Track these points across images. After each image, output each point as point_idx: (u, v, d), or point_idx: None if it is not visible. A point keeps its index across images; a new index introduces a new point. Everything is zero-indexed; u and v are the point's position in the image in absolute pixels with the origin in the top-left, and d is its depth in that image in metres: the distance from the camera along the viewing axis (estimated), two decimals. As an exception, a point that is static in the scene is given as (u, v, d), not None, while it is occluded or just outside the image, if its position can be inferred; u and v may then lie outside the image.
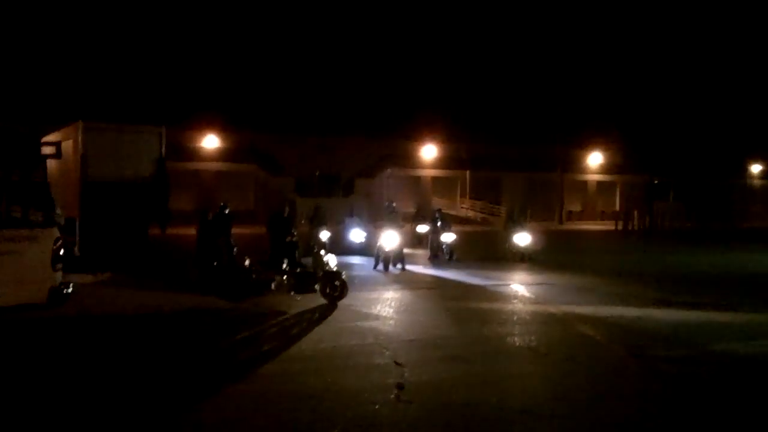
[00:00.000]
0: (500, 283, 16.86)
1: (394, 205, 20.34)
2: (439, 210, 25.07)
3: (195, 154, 56.87)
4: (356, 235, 24.71)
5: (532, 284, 16.55)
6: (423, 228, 28.48)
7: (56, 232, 9.13)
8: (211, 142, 57.77)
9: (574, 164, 68.29)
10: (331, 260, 13.38)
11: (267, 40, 71.59)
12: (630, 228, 49.04)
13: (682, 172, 67.46)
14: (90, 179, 24.04)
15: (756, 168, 75.41)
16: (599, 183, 73.00)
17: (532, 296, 14.47)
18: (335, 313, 12.03)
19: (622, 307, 13.00)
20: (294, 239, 19.69)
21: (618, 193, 72.57)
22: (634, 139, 69.05)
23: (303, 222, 23.88)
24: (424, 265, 21.38)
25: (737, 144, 69.12)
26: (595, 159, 71.99)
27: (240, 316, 11.73)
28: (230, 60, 63.53)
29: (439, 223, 23.54)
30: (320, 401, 6.65)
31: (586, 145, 69.44)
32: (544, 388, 7.32)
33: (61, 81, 48.66)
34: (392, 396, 6.80)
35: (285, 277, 13.25)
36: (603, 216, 68.44)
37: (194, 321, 11.35)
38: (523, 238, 23.10)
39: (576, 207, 69.36)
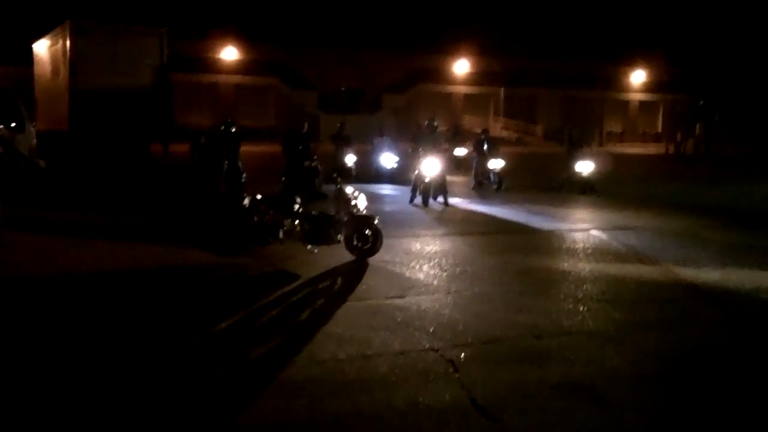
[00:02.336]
0: (573, 226, 13.22)
1: (436, 124, 16.54)
2: (486, 131, 21.36)
3: (212, 67, 52.90)
4: (387, 159, 21.06)
5: (615, 229, 12.87)
6: (461, 151, 24.84)
7: None
8: (229, 53, 53.60)
9: (615, 82, 63.59)
10: (361, 201, 9.79)
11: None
12: (682, 151, 44.98)
13: (729, 92, 62.60)
14: (80, 88, 21.04)
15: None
16: (641, 103, 68.25)
17: (628, 249, 10.84)
18: (365, 279, 8.50)
19: (762, 272, 9.38)
20: (314, 164, 16.21)
21: (661, 114, 68.01)
22: (678, 55, 63.96)
23: (325, 141, 20.29)
24: (469, 197, 17.78)
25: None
26: (637, 77, 66.93)
27: (225, 284, 8.24)
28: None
29: (485, 147, 19.83)
30: None
31: (628, 61, 64.45)
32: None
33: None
34: None
35: (298, 221, 9.71)
36: (644, 138, 64.22)
37: (152, 292, 7.84)
38: (585, 166, 19.39)
39: (616, 128, 64.98)
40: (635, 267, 9.53)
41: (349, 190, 9.90)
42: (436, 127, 16.47)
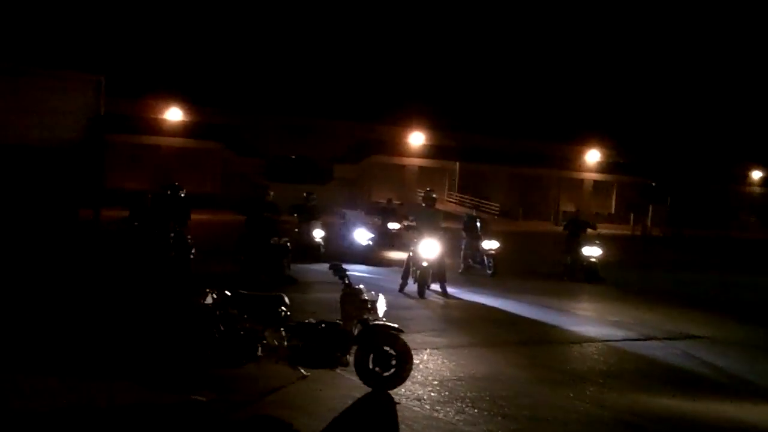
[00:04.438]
0: (621, 333, 10.23)
1: (434, 195, 13.65)
2: (476, 209, 18.67)
3: (150, 128, 49.27)
4: (361, 235, 18.01)
5: (675, 338, 10.02)
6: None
7: None
8: (171, 114, 50.29)
9: (570, 161, 62.56)
10: (380, 304, 6.71)
11: (240, 11, 64.17)
12: (648, 233, 43.35)
13: (680, 175, 62.47)
14: (-9, 141, 17.55)
15: (757, 174, 70.23)
16: (595, 182, 67.16)
17: (731, 380, 7.97)
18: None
19: None
20: (283, 241, 13.14)
21: (614, 195, 66.93)
22: (630, 138, 63.68)
23: (291, 215, 17.16)
24: (462, 284, 14.63)
25: (737, 149, 64.24)
26: (591, 156, 65.94)
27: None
28: (197, 29, 56.20)
29: (478, 225, 17.05)
30: None
31: (582, 141, 63.60)
32: None
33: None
34: None
35: (284, 331, 6.57)
36: (597, 218, 62.79)
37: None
38: (593, 251, 16.76)
39: (569, 207, 63.38)
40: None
41: (362, 288, 6.82)
42: (434, 198, 13.56)
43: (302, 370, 6.53)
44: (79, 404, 5.68)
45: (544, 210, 58.33)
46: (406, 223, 13.28)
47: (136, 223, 11.97)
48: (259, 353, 6.46)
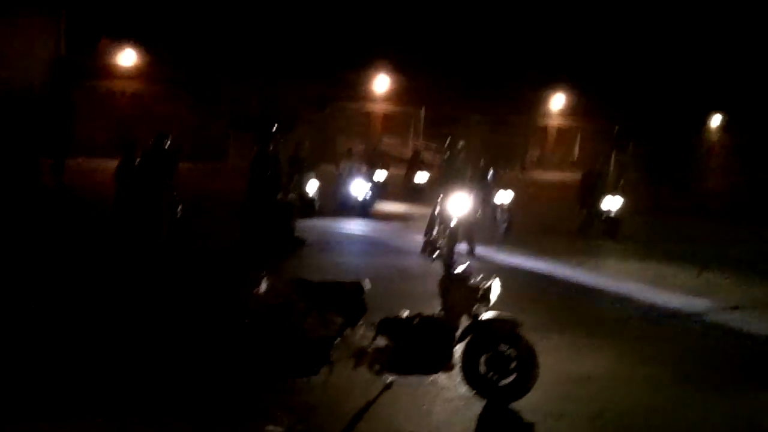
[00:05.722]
0: (711, 304, 8.83)
1: (461, 143, 11.97)
2: (488, 158, 17.09)
3: (108, 73, 46.24)
4: (359, 187, 16.25)
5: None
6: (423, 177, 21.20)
7: None
8: (127, 58, 47.24)
9: (536, 106, 61.13)
10: (494, 289, 5.12)
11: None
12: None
13: (646, 121, 61.38)
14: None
15: (716, 121, 69.02)
16: (560, 128, 65.99)
17: None
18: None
19: None
20: (289, 198, 11.42)
21: (578, 141, 65.83)
22: (596, 83, 62.26)
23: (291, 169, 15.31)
24: (478, 242, 12.94)
25: (698, 96, 63.17)
26: (556, 102, 64.46)
27: None
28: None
29: (490, 176, 15.52)
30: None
31: (549, 85, 62.08)
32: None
33: None
34: None
35: (364, 328, 4.95)
36: (560, 166, 61.74)
37: None
38: (613, 202, 15.33)
39: (533, 154, 62.46)
40: None
41: (463, 267, 5.23)
42: (462, 147, 11.92)
43: (389, 380, 4.94)
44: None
45: (511, 156, 57.05)
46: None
47: (126, 180, 10.10)
48: (332, 357, 4.83)
